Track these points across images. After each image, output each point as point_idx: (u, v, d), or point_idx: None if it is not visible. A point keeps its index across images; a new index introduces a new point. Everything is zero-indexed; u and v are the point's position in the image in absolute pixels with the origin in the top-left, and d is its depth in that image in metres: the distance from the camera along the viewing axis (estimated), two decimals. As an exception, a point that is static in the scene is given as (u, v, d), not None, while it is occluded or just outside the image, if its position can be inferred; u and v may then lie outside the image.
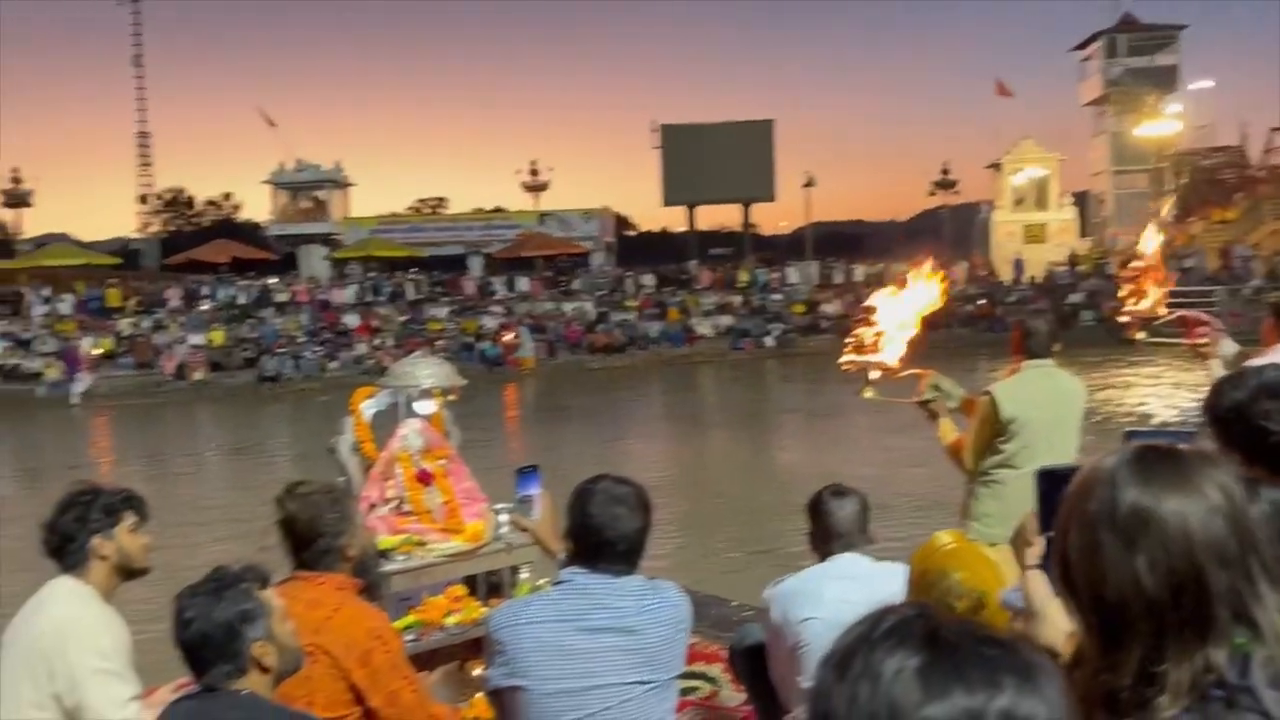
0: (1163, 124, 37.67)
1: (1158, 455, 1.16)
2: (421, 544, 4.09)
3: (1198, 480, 1.13)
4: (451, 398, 4.49)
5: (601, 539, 2.41)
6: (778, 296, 32.48)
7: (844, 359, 4.24)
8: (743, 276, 33.90)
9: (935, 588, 2.21)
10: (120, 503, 2.76)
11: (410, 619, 3.97)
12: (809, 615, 2.98)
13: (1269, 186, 33.56)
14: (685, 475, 12.58)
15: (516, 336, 27.68)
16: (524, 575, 4.35)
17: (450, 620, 4.03)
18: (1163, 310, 4.74)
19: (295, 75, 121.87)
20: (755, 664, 3.41)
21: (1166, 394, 17.49)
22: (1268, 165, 35.56)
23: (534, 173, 40.43)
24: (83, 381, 24.39)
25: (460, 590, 4.24)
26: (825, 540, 3.15)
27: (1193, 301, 24.65)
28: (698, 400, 22.38)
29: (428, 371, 4.36)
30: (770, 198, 43.44)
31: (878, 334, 4.16)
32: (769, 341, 29.58)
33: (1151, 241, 4.99)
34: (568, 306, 31.10)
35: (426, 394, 4.34)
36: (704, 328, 30.44)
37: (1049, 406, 4.07)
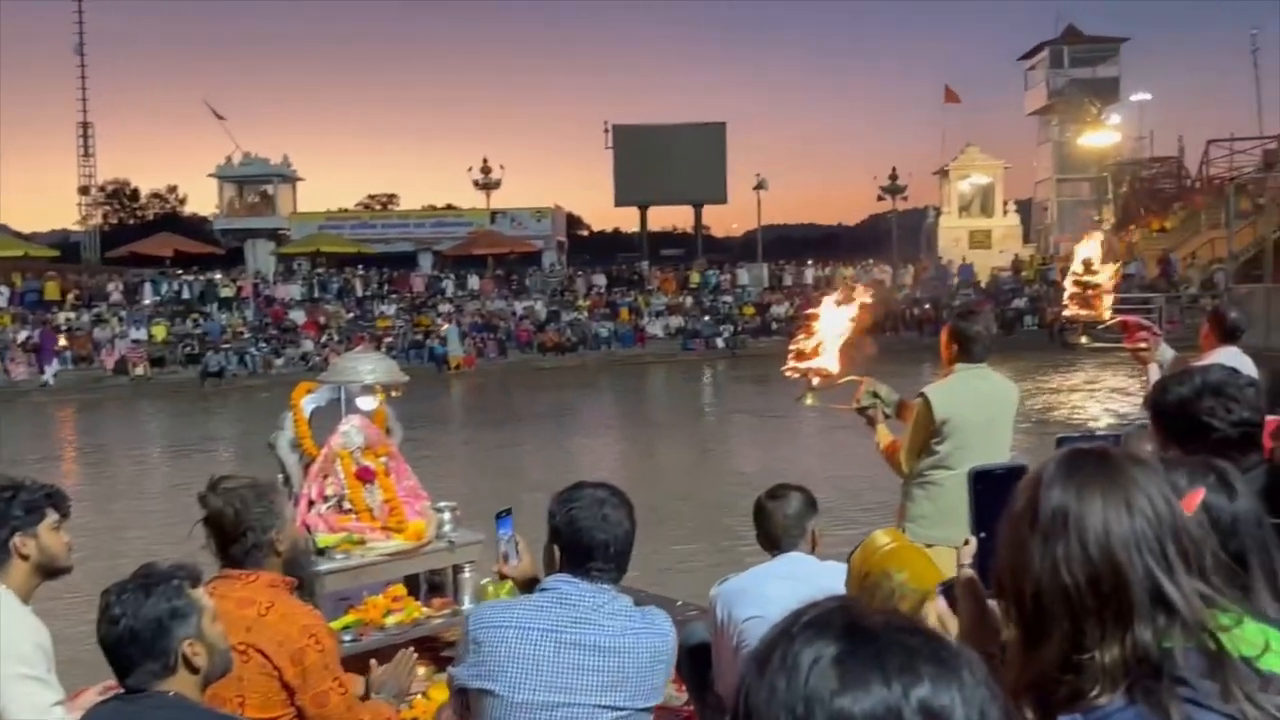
0: (1104, 134, 38.46)
1: (1086, 457, 1.20)
2: (361, 542, 4.04)
3: (1121, 480, 1.16)
4: (395, 394, 4.43)
5: (593, 541, 2.37)
6: (728, 298, 32.63)
7: (786, 366, 4.27)
8: (694, 278, 34.00)
9: (879, 589, 2.20)
10: (43, 499, 2.66)
11: (349, 619, 3.91)
12: (752, 614, 2.98)
13: (1205, 197, 34.30)
14: (636, 474, 12.56)
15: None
16: (467, 574, 4.31)
17: (390, 620, 3.98)
18: (1105, 315, 4.81)
19: (244, 68, 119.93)
20: (698, 664, 3.40)
21: (1104, 398, 17.82)
22: (1204, 177, 36.36)
23: (486, 170, 40.14)
24: (52, 368, 24.12)
25: (401, 590, 4.19)
26: (770, 540, 3.16)
27: (1133, 308, 25.17)
28: (648, 400, 22.39)
29: (369, 367, 4.30)
30: (722, 200, 43.61)
31: (818, 341, 4.19)
32: (719, 342, 29.69)
33: (1095, 249, 5.06)
34: (518, 305, 30.97)
35: (368, 390, 4.28)
36: (655, 328, 30.48)
37: (983, 407, 4.11)
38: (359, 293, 31.53)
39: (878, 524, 2.97)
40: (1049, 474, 1.19)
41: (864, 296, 4.35)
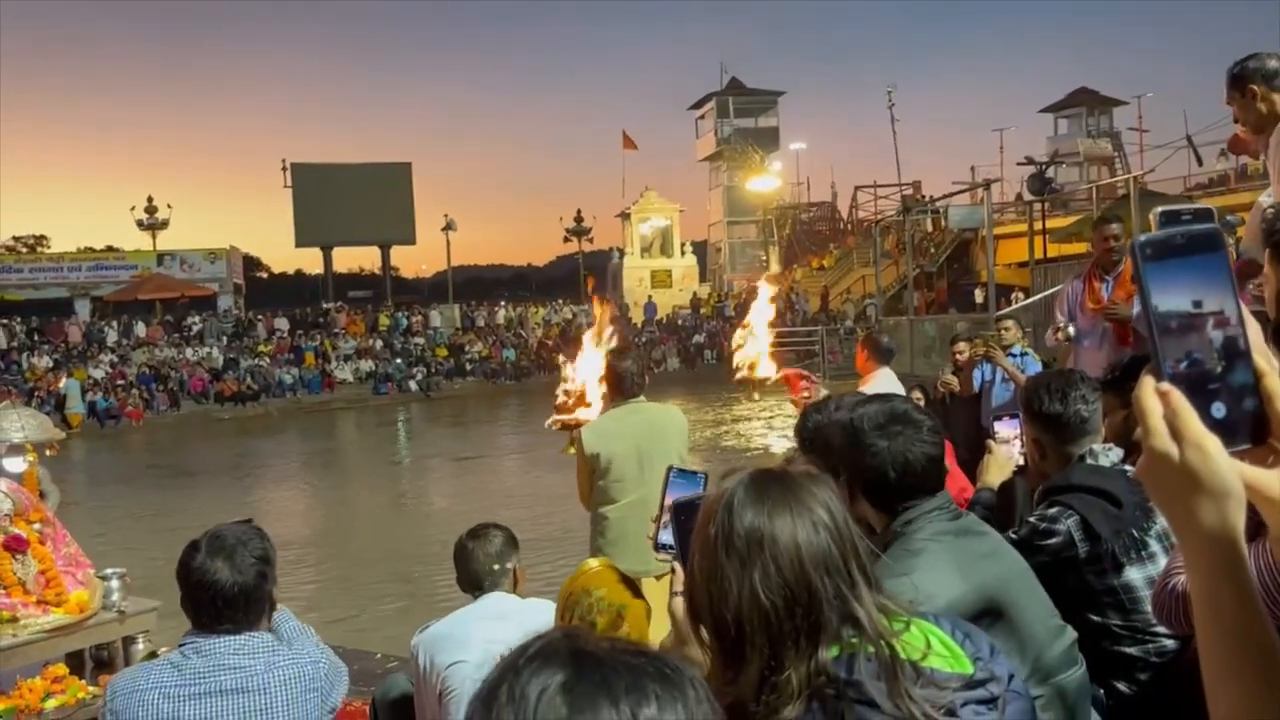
0: (767, 180, 41.70)
1: (769, 477, 1.27)
2: (13, 620, 3.61)
3: (804, 498, 1.24)
4: (49, 453, 4.01)
5: (205, 594, 2.29)
6: (420, 340, 32.16)
7: (550, 419, 4.40)
8: (383, 320, 33.27)
9: (579, 606, 2.32)
10: None
11: (0, 707, 3.47)
12: (456, 659, 2.92)
13: (855, 238, 38.03)
14: (329, 527, 12.04)
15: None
16: (140, 646, 3.95)
17: (50, 704, 3.57)
18: (770, 374, 5.06)
19: None
20: (400, 716, 3.30)
21: (780, 426, 19.17)
22: (854, 220, 40.32)
23: (151, 210, 37.34)
24: None
25: (62, 669, 3.77)
26: (472, 581, 3.12)
27: (798, 341, 27.23)
28: (339, 448, 21.55)
29: (17, 424, 3.86)
30: (410, 240, 43.10)
31: (581, 391, 4.32)
32: (412, 385, 29.18)
33: (761, 310, 5.21)
34: (191, 353, 28.92)
35: (17, 450, 3.84)
36: (344, 373, 29.48)
37: (634, 440, 4.22)
38: (2, 344, 28.23)
39: (577, 559, 3.05)
40: (739, 498, 1.24)
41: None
